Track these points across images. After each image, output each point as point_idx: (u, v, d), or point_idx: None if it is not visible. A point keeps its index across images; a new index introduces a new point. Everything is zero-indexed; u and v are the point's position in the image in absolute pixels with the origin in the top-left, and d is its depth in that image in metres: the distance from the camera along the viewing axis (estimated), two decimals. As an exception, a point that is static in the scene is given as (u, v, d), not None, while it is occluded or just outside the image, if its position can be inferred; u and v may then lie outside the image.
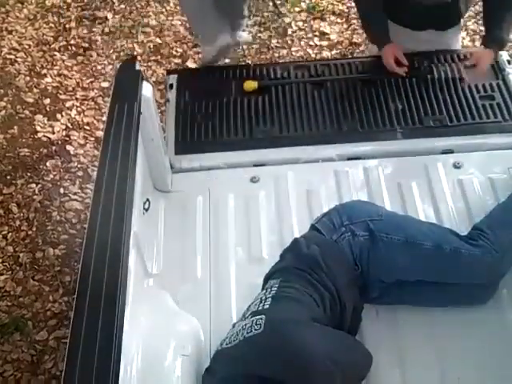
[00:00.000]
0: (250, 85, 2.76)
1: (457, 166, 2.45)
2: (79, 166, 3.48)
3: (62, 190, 3.38)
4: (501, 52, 2.85)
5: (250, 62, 3.84)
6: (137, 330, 1.77)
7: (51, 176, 3.44)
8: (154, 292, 2.11)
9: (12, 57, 4.05)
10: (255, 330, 1.73)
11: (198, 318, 2.06)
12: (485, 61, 2.66)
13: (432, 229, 2.08)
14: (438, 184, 2.40)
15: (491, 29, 2.64)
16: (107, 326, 1.44)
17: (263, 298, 1.86)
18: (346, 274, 1.96)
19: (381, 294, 2.02)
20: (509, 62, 2.81)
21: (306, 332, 1.73)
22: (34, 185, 3.40)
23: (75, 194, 3.36)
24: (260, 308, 1.81)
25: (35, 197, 3.36)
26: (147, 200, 2.21)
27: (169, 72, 2.98)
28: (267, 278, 2.00)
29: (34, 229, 3.23)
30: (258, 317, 1.76)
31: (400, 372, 1.92)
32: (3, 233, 3.22)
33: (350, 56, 3.94)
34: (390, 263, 1.98)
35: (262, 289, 1.97)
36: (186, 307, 2.07)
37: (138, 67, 2.09)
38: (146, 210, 2.20)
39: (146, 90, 2.06)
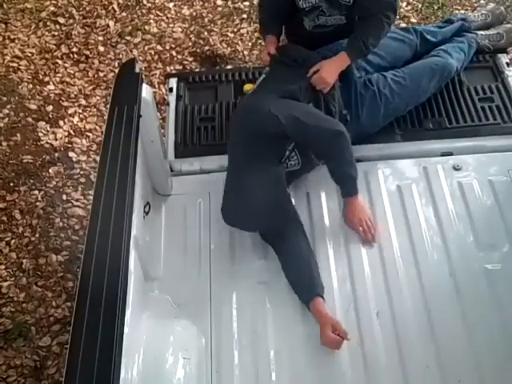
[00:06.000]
0: (250, 88, 2.77)
1: (456, 168, 2.46)
2: (82, 172, 3.49)
3: (64, 197, 3.39)
4: (500, 55, 2.87)
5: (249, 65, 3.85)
6: (137, 334, 1.78)
7: (54, 183, 3.45)
8: (155, 295, 2.12)
9: (15, 65, 4.07)
10: None
11: (199, 321, 2.07)
12: (327, 68, 2.46)
13: None
14: (437, 186, 2.41)
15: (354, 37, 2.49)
16: (108, 329, 1.45)
17: None
18: None
19: None
20: (508, 64, 2.82)
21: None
22: (36, 191, 3.41)
23: (78, 200, 3.37)
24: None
25: (38, 203, 3.37)
26: (147, 203, 2.22)
27: (168, 75, 3.00)
28: None
29: (37, 235, 3.24)
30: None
31: (400, 372, 1.93)
32: (6, 239, 3.23)
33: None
34: None
35: None
36: (187, 310, 2.08)
37: (137, 70, 2.09)
38: (147, 213, 2.20)
39: (146, 92, 2.07)
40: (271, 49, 2.61)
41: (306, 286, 2.14)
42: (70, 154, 3.57)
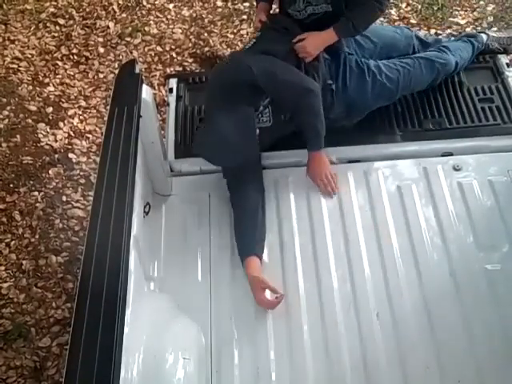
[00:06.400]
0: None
1: (456, 169, 2.45)
2: (81, 173, 3.50)
3: (64, 198, 3.39)
4: (500, 55, 2.87)
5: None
6: (138, 334, 1.77)
7: (54, 184, 3.46)
8: (155, 295, 2.12)
9: (15, 66, 4.08)
10: None
11: (199, 321, 2.07)
12: (312, 39, 2.50)
13: None
14: (437, 186, 2.40)
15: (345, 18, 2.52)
16: (108, 329, 1.44)
17: None
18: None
19: None
20: (508, 65, 2.83)
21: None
22: (36, 193, 3.41)
23: (77, 201, 3.38)
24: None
25: (38, 205, 3.37)
26: (147, 204, 2.22)
27: (168, 76, 3.01)
28: None
29: (37, 236, 3.24)
30: None
31: (400, 372, 1.93)
32: (6, 240, 3.24)
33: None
34: None
35: None
36: (187, 310, 2.07)
37: (137, 70, 2.09)
38: (147, 213, 2.20)
39: (146, 93, 2.07)
40: (262, 16, 2.65)
41: (245, 243, 2.20)
42: (70, 155, 3.58)
